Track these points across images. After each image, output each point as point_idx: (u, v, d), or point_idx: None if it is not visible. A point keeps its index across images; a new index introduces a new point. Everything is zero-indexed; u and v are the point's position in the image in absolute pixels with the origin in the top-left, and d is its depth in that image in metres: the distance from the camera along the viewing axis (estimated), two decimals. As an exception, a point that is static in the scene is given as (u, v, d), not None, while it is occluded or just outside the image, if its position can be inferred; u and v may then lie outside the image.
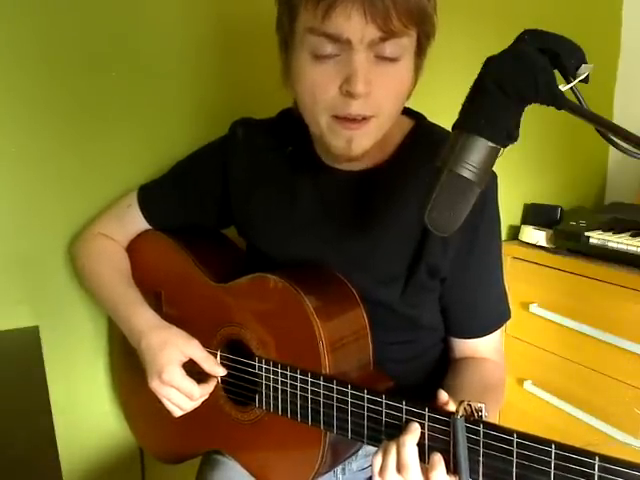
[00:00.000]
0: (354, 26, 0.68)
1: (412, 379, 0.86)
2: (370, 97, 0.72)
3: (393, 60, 0.72)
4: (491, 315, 0.91)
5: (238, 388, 0.87)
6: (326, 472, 0.82)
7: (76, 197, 1.06)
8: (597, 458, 0.55)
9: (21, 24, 0.96)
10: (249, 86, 1.16)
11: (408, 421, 0.66)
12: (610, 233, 1.34)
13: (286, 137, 0.91)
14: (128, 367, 1.07)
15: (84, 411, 1.14)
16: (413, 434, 0.65)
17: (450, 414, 0.63)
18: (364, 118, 0.74)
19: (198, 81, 1.13)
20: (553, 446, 0.57)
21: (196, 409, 0.85)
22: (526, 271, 1.46)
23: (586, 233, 1.35)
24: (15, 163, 1.00)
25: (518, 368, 1.51)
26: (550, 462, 0.57)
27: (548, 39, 0.60)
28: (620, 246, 1.29)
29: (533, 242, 1.49)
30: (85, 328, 1.11)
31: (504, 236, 1.59)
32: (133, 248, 1.02)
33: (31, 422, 0.74)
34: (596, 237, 1.34)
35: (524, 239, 1.52)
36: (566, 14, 1.53)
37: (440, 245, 0.82)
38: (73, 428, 1.11)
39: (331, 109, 0.74)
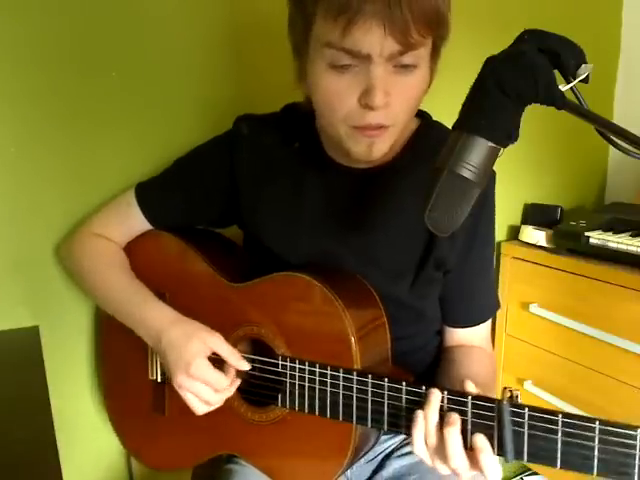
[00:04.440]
0: (374, 40, 0.68)
1: (414, 371, 0.87)
2: (389, 107, 0.73)
3: (411, 68, 0.72)
4: (487, 304, 0.96)
5: (256, 388, 0.85)
6: (348, 469, 0.81)
7: (77, 197, 1.05)
8: (639, 430, 0.59)
9: (21, 24, 0.96)
10: (252, 84, 1.16)
11: (449, 411, 0.67)
12: (610, 233, 1.34)
13: (292, 133, 0.90)
14: (119, 374, 1.04)
15: (84, 411, 1.13)
16: (455, 426, 0.66)
17: (495, 400, 0.66)
18: (382, 126, 0.74)
19: (200, 79, 1.13)
20: (597, 422, 0.61)
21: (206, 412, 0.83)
22: (526, 271, 1.46)
23: (586, 233, 1.35)
24: (15, 163, 1.00)
25: (518, 368, 1.51)
26: (594, 437, 0.61)
27: (548, 39, 0.60)
28: (620, 246, 1.29)
29: (533, 242, 1.49)
30: (85, 328, 1.11)
31: (504, 236, 1.59)
32: (132, 249, 0.98)
33: (31, 422, 0.73)
34: (596, 237, 1.34)
35: (524, 239, 1.52)
36: (566, 14, 1.53)
37: (448, 238, 0.82)
38: (73, 428, 1.10)
39: (350, 120, 0.74)
